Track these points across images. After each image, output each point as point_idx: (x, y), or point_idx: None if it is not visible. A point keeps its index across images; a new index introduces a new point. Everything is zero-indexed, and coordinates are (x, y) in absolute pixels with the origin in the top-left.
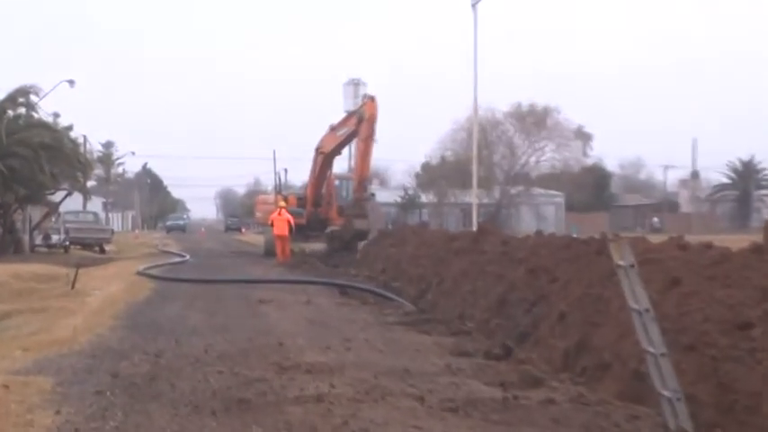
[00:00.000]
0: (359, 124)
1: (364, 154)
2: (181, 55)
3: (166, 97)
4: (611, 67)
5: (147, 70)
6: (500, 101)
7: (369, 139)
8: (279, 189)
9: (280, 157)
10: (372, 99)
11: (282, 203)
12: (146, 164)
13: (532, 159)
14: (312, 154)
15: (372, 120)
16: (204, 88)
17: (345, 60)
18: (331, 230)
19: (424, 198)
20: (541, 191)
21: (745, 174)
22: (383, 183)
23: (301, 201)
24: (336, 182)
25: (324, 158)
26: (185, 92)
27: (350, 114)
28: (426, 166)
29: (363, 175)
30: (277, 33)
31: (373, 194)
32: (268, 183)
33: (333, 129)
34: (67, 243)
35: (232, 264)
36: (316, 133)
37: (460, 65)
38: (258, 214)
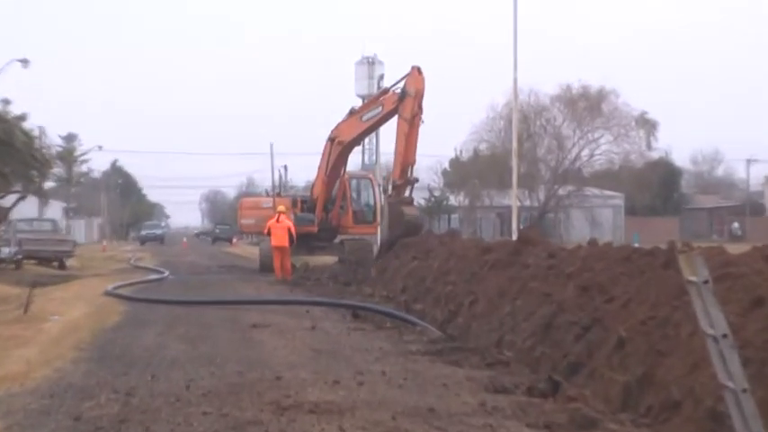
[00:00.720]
0: (401, 102)
1: (410, 137)
2: (157, 34)
3: (141, 83)
4: (680, 42)
5: (118, 50)
6: (545, 82)
7: (417, 119)
8: (279, 190)
9: (279, 151)
10: (419, 70)
11: (282, 208)
12: (116, 161)
13: (585, 153)
14: (322, 146)
15: (420, 96)
16: (186, 72)
17: (356, 38)
18: (342, 240)
19: (453, 200)
20: (596, 191)
21: None
22: None
23: (307, 204)
24: (352, 181)
25: (341, 150)
26: (163, 76)
27: (382, 92)
28: (456, 162)
29: (408, 160)
30: (272, 6)
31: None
32: (264, 182)
33: (355, 113)
34: (20, 257)
35: (220, 281)
36: (322, 123)
37: (497, 38)
38: (243, 221)
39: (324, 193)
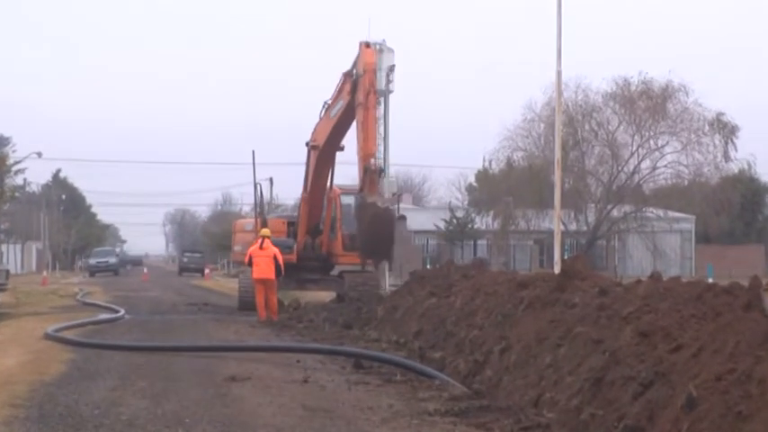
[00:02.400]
0: (354, 86)
1: (366, 122)
2: (110, 21)
3: (90, 78)
4: (766, 26)
5: (61, 40)
6: (597, 76)
7: (370, 99)
8: (261, 209)
9: (263, 161)
10: (367, 44)
11: (266, 231)
12: (58, 171)
13: (646, 165)
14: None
15: (371, 72)
16: (149, 67)
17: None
18: (341, 272)
19: (480, 223)
20: (659, 212)
21: None
22: (418, 200)
23: (294, 227)
24: (343, 197)
25: (318, 156)
26: (118, 71)
27: (343, 77)
28: (484, 176)
29: (369, 151)
30: None
31: (403, 217)
32: (244, 201)
33: (327, 108)
34: None
35: (190, 322)
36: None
37: (536, 21)
38: (237, 248)
39: (307, 212)
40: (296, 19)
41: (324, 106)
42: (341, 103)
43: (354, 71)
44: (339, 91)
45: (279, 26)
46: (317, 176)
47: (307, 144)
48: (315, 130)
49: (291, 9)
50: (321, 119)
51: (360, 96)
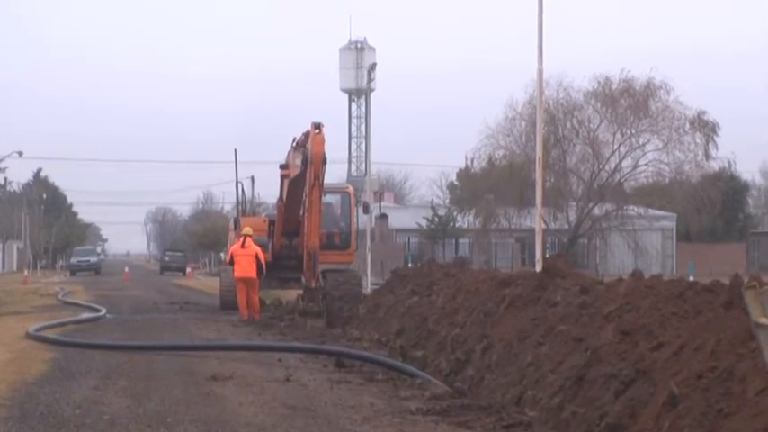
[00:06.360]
0: (305, 166)
1: (309, 215)
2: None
3: (72, 75)
4: (746, 26)
5: (39, 34)
6: (578, 74)
7: (314, 196)
8: (243, 207)
9: (245, 159)
10: (318, 129)
11: (248, 230)
12: (39, 171)
13: (627, 163)
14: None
15: (317, 165)
16: (126, 64)
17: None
18: (323, 271)
19: (461, 222)
20: (640, 210)
21: None
22: (399, 199)
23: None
24: (327, 198)
25: (290, 186)
26: (99, 70)
27: (297, 143)
28: (465, 174)
29: (311, 245)
30: None
31: (385, 215)
32: (226, 199)
33: (294, 148)
34: None
35: (171, 321)
36: (299, 124)
37: (518, 17)
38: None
39: (283, 216)
40: (277, 16)
41: (293, 141)
42: (296, 166)
43: (305, 150)
44: (292, 158)
45: (260, 23)
46: (291, 193)
47: (280, 167)
48: (288, 159)
49: (272, 5)
50: (292, 152)
51: (306, 186)
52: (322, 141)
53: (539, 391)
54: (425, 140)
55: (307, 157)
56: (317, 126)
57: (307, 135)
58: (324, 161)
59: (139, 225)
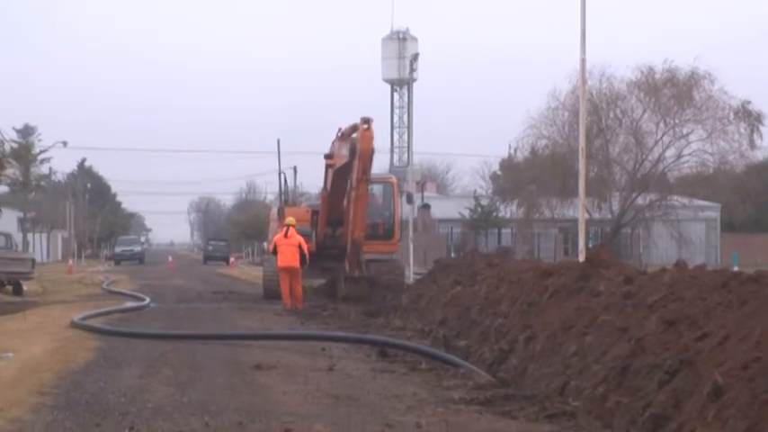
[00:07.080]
0: (352, 156)
1: (354, 209)
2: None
3: (114, 65)
4: None
5: (84, 26)
6: (622, 64)
7: (361, 190)
8: (286, 197)
9: (288, 150)
10: (368, 125)
11: (291, 220)
12: (83, 161)
13: (671, 153)
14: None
15: (365, 159)
16: (173, 54)
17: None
18: (367, 261)
19: (504, 212)
20: (684, 200)
21: None
22: (442, 189)
23: (318, 216)
24: (370, 188)
25: (335, 175)
26: (143, 61)
27: (343, 134)
28: (508, 164)
29: (355, 237)
30: None
31: (427, 205)
32: (269, 189)
33: (340, 138)
34: None
35: (215, 311)
36: (342, 115)
37: (560, 7)
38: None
39: (327, 208)
40: (321, 8)
41: (338, 131)
42: (343, 155)
43: (352, 140)
44: (337, 148)
45: (304, 16)
46: (336, 183)
47: (325, 156)
48: (332, 149)
49: None
50: (337, 141)
51: (353, 178)
52: (371, 137)
53: (582, 381)
54: (468, 130)
55: (354, 147)
56: (366, 121)
57: (354, 127)
58: (371, 156)
59: (183, 215)
